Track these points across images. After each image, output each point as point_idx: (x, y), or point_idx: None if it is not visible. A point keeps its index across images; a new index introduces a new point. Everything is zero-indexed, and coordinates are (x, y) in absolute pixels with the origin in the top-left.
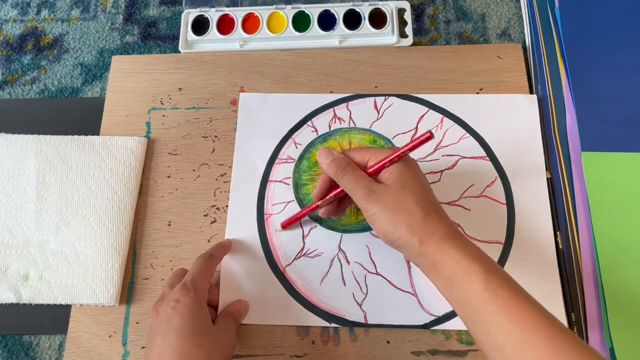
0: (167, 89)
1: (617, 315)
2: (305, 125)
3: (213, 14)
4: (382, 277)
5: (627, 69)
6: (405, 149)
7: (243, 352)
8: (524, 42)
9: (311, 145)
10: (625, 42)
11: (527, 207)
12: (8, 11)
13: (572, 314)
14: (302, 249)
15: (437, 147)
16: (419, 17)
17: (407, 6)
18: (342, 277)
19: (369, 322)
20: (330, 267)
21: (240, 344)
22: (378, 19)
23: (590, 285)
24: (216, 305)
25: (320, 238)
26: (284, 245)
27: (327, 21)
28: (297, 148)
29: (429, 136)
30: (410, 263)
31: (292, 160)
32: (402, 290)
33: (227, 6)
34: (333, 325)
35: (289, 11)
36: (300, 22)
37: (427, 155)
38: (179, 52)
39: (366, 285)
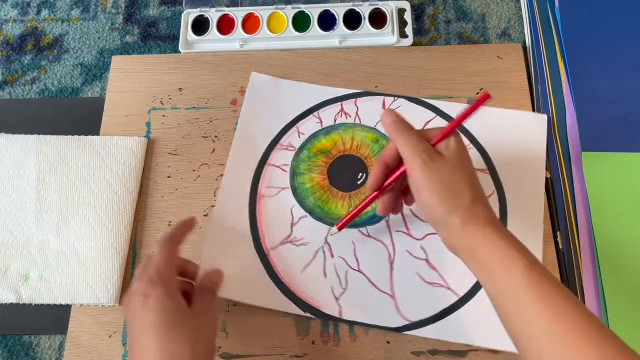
0: (167, 89)
1: (617, 315)
2: (311, 116)
3: (213, 14)
4: (363, 274)
5: (627, 69)
6: (467, 111)
7: (243, 352)
8: (524, 42)
9: (314, 136)
10: (625, 42)
11: (520, 226)
12: (8, 11)
13: None
14: (289, 235)
15: None
16: (419, 17)
17: (407, 6)
18: (324, 269)
19: (343, 317)
20: (313, 257)
21: (241, 344)
22: (378, 19)
23: (590, 285)
24: (194, 276)
25: (309, 228)
26: (271, 229)
27: (327, 21)
28: (299, 137)
29: (487, 95)
30: (393, 265)
31: (292, 149)
32: (381, 291)
33: (227, 6)
34: (307, 314)
35: (289, 11)
36: (300, 22)
37: None
38: (179, 52)
39: (346, 280)
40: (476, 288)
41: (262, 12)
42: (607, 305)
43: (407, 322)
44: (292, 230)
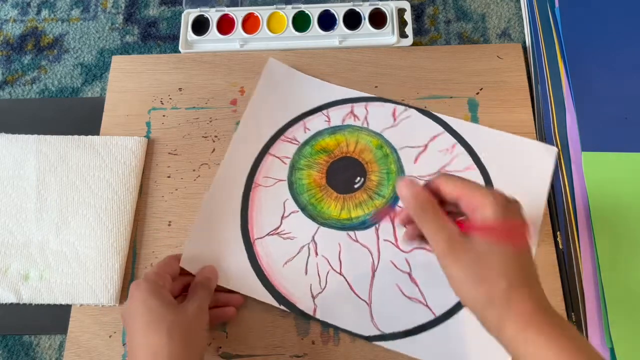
0: (167, 89)
1: (617, 315)
2: (320, 113)
3: (213, 14)
4: (344, 277)
5: (627, 69)
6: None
7: (243, 352)
8: (524, 42)
9: (319, 134)
10: (625, 42)
11: None
12: (8, 11)
13: (572, 313)
14: (277, 228)
15: (441, 169)
16: (419, 17)
17: (407, 6)
18: (306, 266)
19: (317, 316)
20: (298, 253)
21: (241, 344)
22: (378, 19)
23: (590, 285)
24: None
25: (298, 223)
26: (261, 219)
27: (327, 21)
28: (305, 132)
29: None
30: (375, 274)
31: (296, 142)
32: (358, 297)
33: (227, 6)
34: (281, 307)
35: (289, 11)
36: (300, 22)
37: (428, 175)
38: (179, 52)
39: (326, 281)
40: (454, 310)
41: (262, 12)
42: (607, 305)
43: (378, 333)
44: (281, 223)
